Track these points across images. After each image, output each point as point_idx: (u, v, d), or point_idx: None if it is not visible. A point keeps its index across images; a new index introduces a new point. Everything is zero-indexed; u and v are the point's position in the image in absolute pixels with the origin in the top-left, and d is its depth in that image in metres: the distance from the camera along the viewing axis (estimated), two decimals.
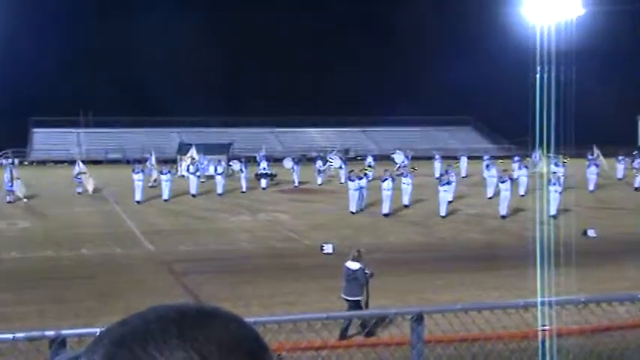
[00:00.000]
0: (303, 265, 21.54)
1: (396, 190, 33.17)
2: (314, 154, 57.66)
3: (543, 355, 7.27)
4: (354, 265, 14.19)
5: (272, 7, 70.27)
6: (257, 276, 19.82)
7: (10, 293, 17.67)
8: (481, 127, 75.39)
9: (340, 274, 19.45)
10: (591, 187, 40.63)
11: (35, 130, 67.58)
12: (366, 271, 14.20)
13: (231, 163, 46.74)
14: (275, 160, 51.99)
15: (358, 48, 70.96)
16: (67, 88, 61.59)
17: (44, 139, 67.24)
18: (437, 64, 68.06)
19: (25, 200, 35.82)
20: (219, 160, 44.63)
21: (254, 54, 70.45)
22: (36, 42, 62.48)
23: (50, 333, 5.29)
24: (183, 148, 49.86)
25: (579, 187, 38.41)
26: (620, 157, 47.34)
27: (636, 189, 41.33)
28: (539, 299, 7.08)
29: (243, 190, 40.66)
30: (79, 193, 38.90)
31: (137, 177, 36.33)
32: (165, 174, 37.45)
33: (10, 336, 5.25)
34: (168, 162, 45.18)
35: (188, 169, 41.19)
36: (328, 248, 23.21)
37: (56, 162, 60.13)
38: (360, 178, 33.87)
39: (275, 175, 44.85)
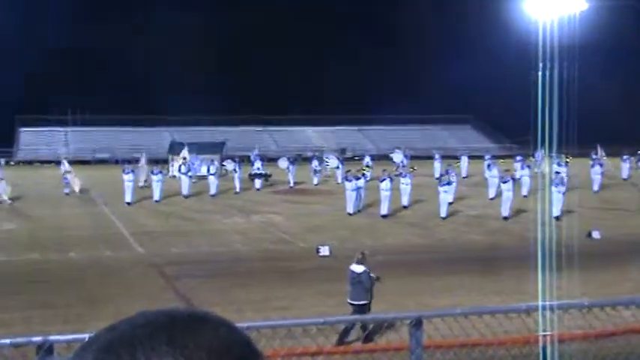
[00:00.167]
0: (298, 269, 21.53)
1: (395, 190, 33.18)
2: (310, 153, 57.68)
3: None
4: (358, 268, 14.17)
5: (266, 5, 70.31)
6: (251, 280, 19.80)
7: None
8: (482, 126, 75.45)
9: (337, 277, 19.45)
10: (595, 187, 40.68)
11: (21, 129, 67.48)
12: (372, 275, 14.18)
13: (224, 163, 46.72)
14: (269, 159, 52.00)
15: (355, 46, 70.97)
16: (54, 86, 61.46)
17: (31, 139, 67.14)
18: (436, 61, 68.11)
19: (9, 201, 35.76)
20: (212, 160, 44.60)
21: (248, 51, 70.46)
22: (23, 40, 62.41)
23: (37, 339, 5.29)
24: (175, 148, 49.83)
25: (583, 188, 38.45)
26: (625, 157, 47.39)
27: None
28: (541, 303, 7.09)
29: (237, 190, 40.64)
30: (67, 193, 38.87)
31: (127, 177, 36.29)
32: (157, 174, 37.43)
33: None
34: (159, 162, 45.16)
35: (180, 170, 41.17)
36: (324, 250, 23.21)
37: (43, 162, 60.06)
38: (358, 179, 33.88)
39: (270, 176, 44.84)
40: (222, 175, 43.46)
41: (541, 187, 33.53)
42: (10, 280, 19.76)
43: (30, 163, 61.25)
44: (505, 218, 31.09)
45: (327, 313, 12.81)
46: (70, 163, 44.07)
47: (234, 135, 65.47)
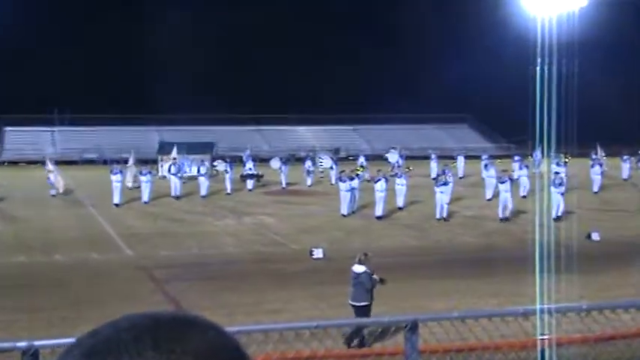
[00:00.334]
0: (290, 271, 21.54)
1: (390, 191, 33.20)
2: (303, 153, 57.62)
3: None
4: (359, 269, 14.19)
5: (260, 4, 70.28)
6: (242, 282, 19.79)
7: None
8: (479, 126, 75.52)
9: (330, 280, 19.50)
10: (595, 188, 40.76)
11: (7, 128, 67.24)
12: (374, 276, 14.19)
13: (215, 164, 46.63)
14: (261, 160, 51.94)
15: (350, 45, 70.96)
16: (40, 84, 61.28)
17: (16, 139, 66.89)
18: (434, 60, 68.14)
19: None
20: (202, 161, 44.52)
21: (238, 49, 70.36)
22: (7, 37, 62.17)
23: (22, 344, 5.28)
24: (165, 148, 49.73)
25: (582, 188, 38.52)
26: (625, 157, 47.44)
27: None
28: (539, 306, 7.11)
29: (228, 191, 40.60)
30: (53, 195, 38.77)
31: (115, 178, 36.20)
32: (145, 175, 37.36)
33: None
34: (148, 162, 45.05)
35: (169, 170, 41.08)
36: (318, 253, 23.22)
37: (29, 162, 59.86)
38: (352, 179, 33.89)
39: (262, 176, 44.80)
40: (212, 175, 43.39)
41: (539, 187, 33.62)
42: None
43: (15, 163, 61.03)
44: (504, 219, 31.10)
45: (320, 317, 12.83)
46: (57, 163, 43.93)
47: (225, 135, 65.39)
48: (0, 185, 38.70)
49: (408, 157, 53.48)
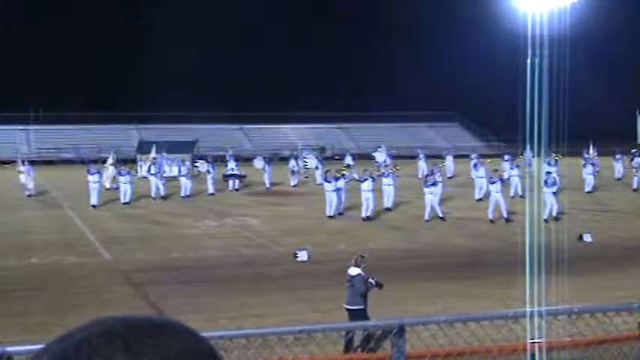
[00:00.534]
0: (274, 274, 21.51)
1: (377, 191, 33.22)
2: (287, 152, 57.61)
3: None
4: (353, 271, 14.15)
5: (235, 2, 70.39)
6: (224, 286, 19.77)
7: None
8: (468, 124, 75.74)
9: (315, 284, 19.53)
10: (587, 188, 40.89)
11: None
12: (371, 280, 14.14)
13: (196, 164, 46.46)
14: (244, 159, 51.84)
15: (336, 41, 71.04)
16: (15, 81, 61.01)
17: None
18: (421, 57, 68.36)
19: None
20: (183, 160, 44.41)
21: (220, 46, 70.28)
22: None
23: None
24: (144, 147, 49.58)
25: (574, 188, 38.69)
26: (618, 156, 47.59)
27: (635, 190, 41.73)
28: (529, 309, 7.13)
29: (210, 192, 40.54)
30: (29, 195, 38.60)
31: (92, 178, 36.04)
32: (125, 175, 37.23)
33: None
34: (127, 162, 44.88)
35: (149, 170, 40.92)
36: (302, 255, 23.21)
37: (3, 162, 59.49)
38: (338, 179, 33.88)
39: (244, 176, 44.73)
40: (194, 175, 43.26)
41: (530, 187, 33.71)
42: None
43: None
44: (506, 220, 30.98)
45: (304, 321, 12.83)
46: (32, 163, 43.74)
47: (207, 133, 65.16)
48: None
49: (395, 157, 53.55)
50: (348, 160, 49.42)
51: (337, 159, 55.27)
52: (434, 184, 32.91)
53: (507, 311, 7.15)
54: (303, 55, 70.64)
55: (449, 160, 50.11)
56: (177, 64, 64.22)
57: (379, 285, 14.27)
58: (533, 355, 7.32)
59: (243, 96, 66.47)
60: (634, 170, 43.70)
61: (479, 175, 38.49)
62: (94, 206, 35.26)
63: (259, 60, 70.03)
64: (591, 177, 41.42)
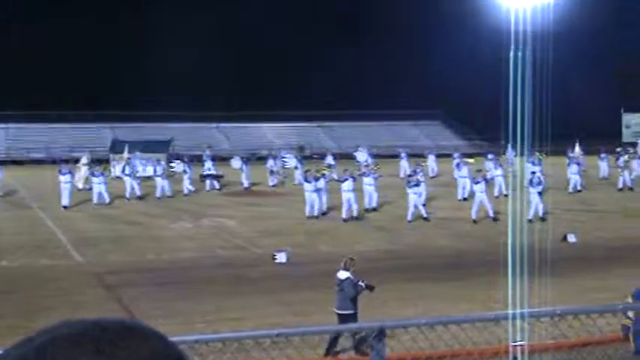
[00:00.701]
0: (252, 277, 21.49)
1: (358, 191, 33.26)
2: (265, 152, 57.55)
3: None
4: (342, 275, 14.09)
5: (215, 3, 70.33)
6: (200, 289, 19.72)
7: None
8: (450, 122, 75.96)
9: (294, 286, 19.55)
10: (572, 187, 41.07)
11: None
12: (361, 283, 14.08)
13: (172, 164, 46.19)
14: (221, 159, 51.70)
15: (317, 41, 70.99)
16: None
17: None
18: (403, 55, 68.48)
19: None
20: (158, 160, 44.24)
21: (196, 45, 69.96)
22: None
23: None
24: (117, 146, 49.36)
25: (558, 188, 38.90)
26: (603, 155, 47.84)
27: (620, 189, 41.99)
28: (511, 311, 7.19)
29: (186, 192, 40.44)
30: (0, 196, 38.41)
31: (64, 179, 35.85)
32: (98, 176, 37.08)
33: None
34: (101, 162, 44.67)
35: (123, 170, 40.74)
36: (281, 257, 23.20)
37: None
38: (318, 179, 33.87)
39: (221, 176, 44.64)
40: (169, 175, 43.06)
41: (514, 187, 33.86)
42: None
43: None
44: (494, 219, 31.08)
45: (282, 325, 12.83)
46: (2, 163, 43.46)
47: (182, 132, 64.94)
48: None
49: (376, 156, 53.61)
50: (330, 159, 49.39)
51: (316, 158, 55.26)
52: (417, 184, 32.97)
53: (489, 313, 7.20)
54: (282, 54, 70.58)
55: (431, 160, 50.21)
56: (152, 62, 63.84)
57: (370, 288, 14.17)
58: (515, 358, 7.38)
59: (220, 94, 66.23)
60: (619, 170, 43.90)
61: (462, 175, 38.60)
62: (65, 207, 35.08)
63: (236, 58, 69.85)
64: (576, 176, 41.57)
